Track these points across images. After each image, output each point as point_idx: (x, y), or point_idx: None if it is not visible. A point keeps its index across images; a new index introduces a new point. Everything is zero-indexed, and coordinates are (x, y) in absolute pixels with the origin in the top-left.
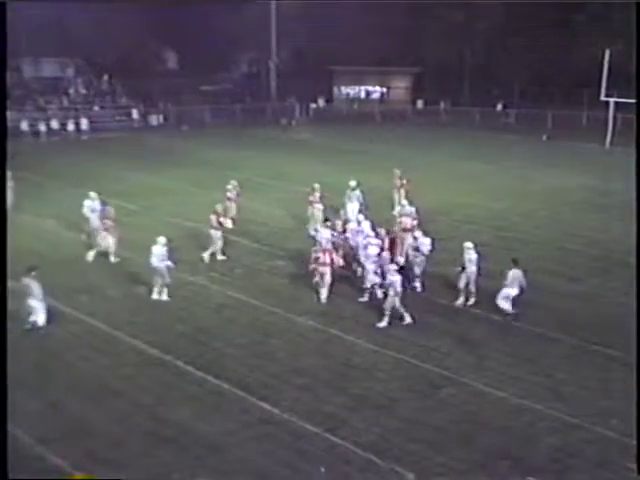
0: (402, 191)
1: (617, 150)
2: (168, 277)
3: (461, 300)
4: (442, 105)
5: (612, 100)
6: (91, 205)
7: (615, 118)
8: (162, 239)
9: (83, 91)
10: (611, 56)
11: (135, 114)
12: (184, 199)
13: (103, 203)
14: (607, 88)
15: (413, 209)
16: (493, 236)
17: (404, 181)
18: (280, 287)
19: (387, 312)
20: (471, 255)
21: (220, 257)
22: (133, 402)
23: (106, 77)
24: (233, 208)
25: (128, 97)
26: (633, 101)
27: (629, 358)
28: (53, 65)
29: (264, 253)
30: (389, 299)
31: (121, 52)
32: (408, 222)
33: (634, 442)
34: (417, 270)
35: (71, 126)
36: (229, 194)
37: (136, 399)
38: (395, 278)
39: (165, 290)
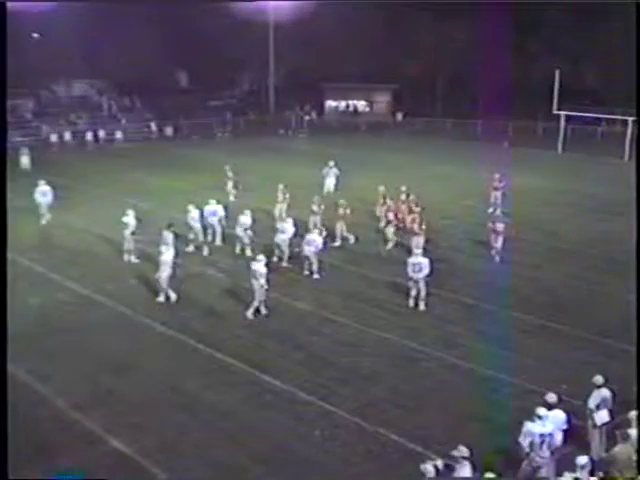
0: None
1: (568, 155)
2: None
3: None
4: (418, 117)
5: (563, 113)
6: (194, 216)
7: (565, 128)
8: (290, 222)
9: (107, 107)
10: (561, 76)
11: (153, 126)
12: (194, 199)
13: (207, 212)
14: (558, 103)
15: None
16: (466, 230)
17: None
18: (280, 277)
19: (255, 302)
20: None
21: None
22: (153, 375)
23: (127, 95)
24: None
25: (147, 112)
26: (580, 114)
27: (629, 357)
28: (82, 85)
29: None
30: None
31: (140, 73)
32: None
33: None
34: (415, 292)
35: (94, 137)
36: (284, 196)
37: (155, 372)
38: (259, 268)
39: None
